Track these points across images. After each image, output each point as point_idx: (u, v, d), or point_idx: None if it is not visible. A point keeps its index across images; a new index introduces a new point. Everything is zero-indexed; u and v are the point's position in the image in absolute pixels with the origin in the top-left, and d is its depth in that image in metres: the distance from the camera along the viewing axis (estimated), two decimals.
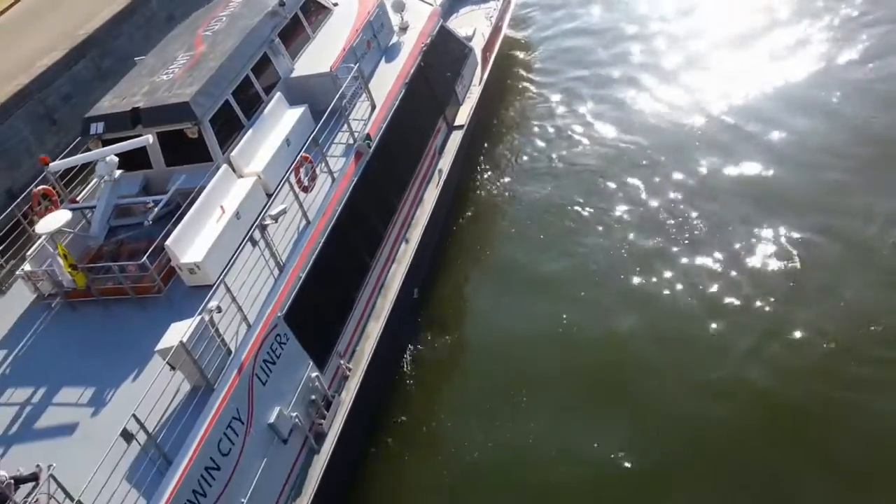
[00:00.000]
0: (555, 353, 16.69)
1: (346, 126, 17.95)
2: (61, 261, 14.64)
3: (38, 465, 12.13)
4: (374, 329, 16.51)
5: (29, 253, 15.86)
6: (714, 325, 16.16)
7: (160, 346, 12.67)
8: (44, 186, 17.30)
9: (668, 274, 17.58)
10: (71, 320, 15.28)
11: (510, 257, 19.67)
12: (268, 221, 14.55)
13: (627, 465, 14.27)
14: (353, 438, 15.20)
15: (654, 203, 19.68)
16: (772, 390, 14.74)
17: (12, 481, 11.82)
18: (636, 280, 17.74)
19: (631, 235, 18.93)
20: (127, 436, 11.21)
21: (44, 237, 14.87)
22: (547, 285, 18.39)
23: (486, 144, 23.68)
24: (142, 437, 11.51)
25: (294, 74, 19.11)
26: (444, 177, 20.17)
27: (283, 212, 14.65)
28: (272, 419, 13.59)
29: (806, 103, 21.46)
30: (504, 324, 17.89)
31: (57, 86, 28.49)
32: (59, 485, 10.87)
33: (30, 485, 11.84)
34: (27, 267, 15.59)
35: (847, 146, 19.54)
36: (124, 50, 30.25)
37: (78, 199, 17.55)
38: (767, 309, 16.14)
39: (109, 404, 13.15)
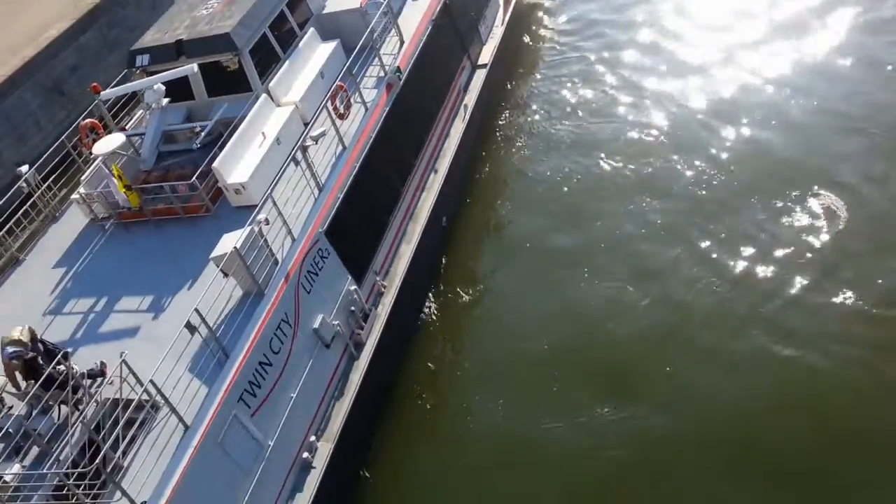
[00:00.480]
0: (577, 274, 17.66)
1: (376, 60, 18.78)
2: (116, 182, 15.64)
3: (102, 362, 13.32)
4: (407, 251, 17.50)
5: (83, 177, 16.88)
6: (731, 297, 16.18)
7: (215, 253, 13.68)
8: (90, 119, 18.26)
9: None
10: (125, 239, 16.34)
11: (531, 194, 20.55)
12: (309, 143, 15.48)
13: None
14: (389, 349, 16.27)
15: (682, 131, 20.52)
16: (796, 361, 14.67)
17: (83, 374, 12.99)
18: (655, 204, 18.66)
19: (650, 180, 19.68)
20: (190, 328, 12.28)
21: (99, 158, 15.85)
22: (567, 212, 19.34)
23: (508, 85, 24.43)
24: (203, 331, 12.58)
25: (325, 11, 19.90)
26: (469, 112, 20.99)
27: (323, 134, 15.57)
28: (316, 325, 14.67)
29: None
30: (525, 253, 18.85)
31: (64, 57, 28.01)
32: (131, 369, 11.97)
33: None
34: (82, 190, 16.61)
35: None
36: (132, 19, 29.88)
37: (126, 128, 18.52)
38: (793, 278, 16.08)
39: (167, 310, 14.24)
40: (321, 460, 13.90)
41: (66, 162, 18.53)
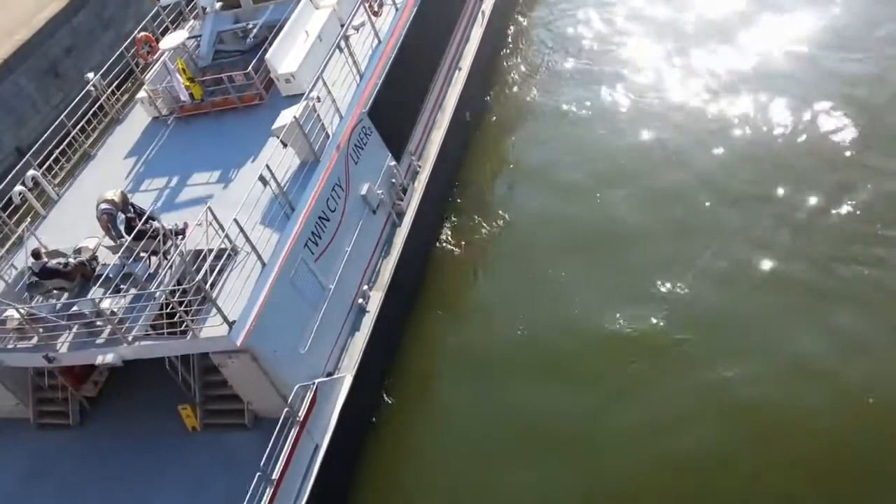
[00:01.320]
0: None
1: None
2: (180, 76, 17.56)
3: (185, 223, 15.36)
4: (437, 138, 19.46)
5: (148, 76, 18.80)
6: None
7: (276, 125, 15.63)
8: (144, 33, 20.12)
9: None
10: (187, 131, 18.34)
11: (547, 95, 22.41)
12: (351, 32, 17.34)
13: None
14: (426, 219, 18.29)
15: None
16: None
17: (170, 230, 15.03)
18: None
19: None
20: (263, 180, 14.28)
21: (166, 53, 17.75)
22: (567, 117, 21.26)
23: None
24: (272, 186, 14.57)
25: None
26: (486, 18, 22.76)
27: (363, 24, 17.42)
28: (364, 192, 16.68)
29: None
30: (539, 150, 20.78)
31: (59, 38, 27.69)
32: (215, 216, 14.00)
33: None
34: (147, 87, 18.54)
35: None
36: None
37: None
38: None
39: (235, 181, 16.26)
40: (374, 306, 16.03)
41: (125, 73, 20.49)
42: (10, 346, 14.48)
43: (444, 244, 18.83)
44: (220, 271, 14.11)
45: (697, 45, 22.15)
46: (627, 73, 21.84)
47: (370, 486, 14.97)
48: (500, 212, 19.14)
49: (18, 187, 16.83)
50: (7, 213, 16.88)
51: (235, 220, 13.67)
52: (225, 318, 13.17)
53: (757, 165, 18.04)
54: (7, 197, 16.96)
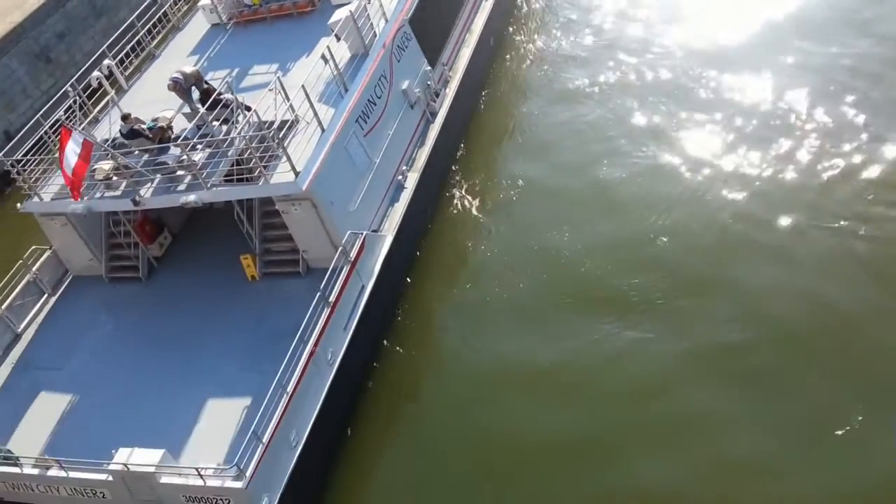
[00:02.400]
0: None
1: None
2: None
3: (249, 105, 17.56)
4: (465, 54, 21.77)
5: None
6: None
7: (332, 20, 17.87)
8: None
9: None
10: (246, 35, 20.57)
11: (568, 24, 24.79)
12: None
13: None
14: (454, 123, 20.57)
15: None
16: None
17: (238, 104, 17.20)
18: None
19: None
20: (324, 58, 16.53)
21: None
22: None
23: None
24: (331, 66, 16.81)
25: None
26: None
27: None
28: (404, 87, 18.98)
29: None
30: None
31: (51, 23, 27.59)
32: (282, 84, 16.20)
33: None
34: None
35: None
36: None
37: None
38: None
39: (293, 69, 18.47)
40: (411, 184, 18.30)
41: None
42: (99, 195, 16.68)
43: (471, 144, 21.26)
44: (285, 137, 16.36)
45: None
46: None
47: (406, 326, 17.22)
48: (520, 126, 21.62)
49: (96, 73, 18.95)
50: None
51: (303, 87, 15.92)
52: (293, 166, 15.42)
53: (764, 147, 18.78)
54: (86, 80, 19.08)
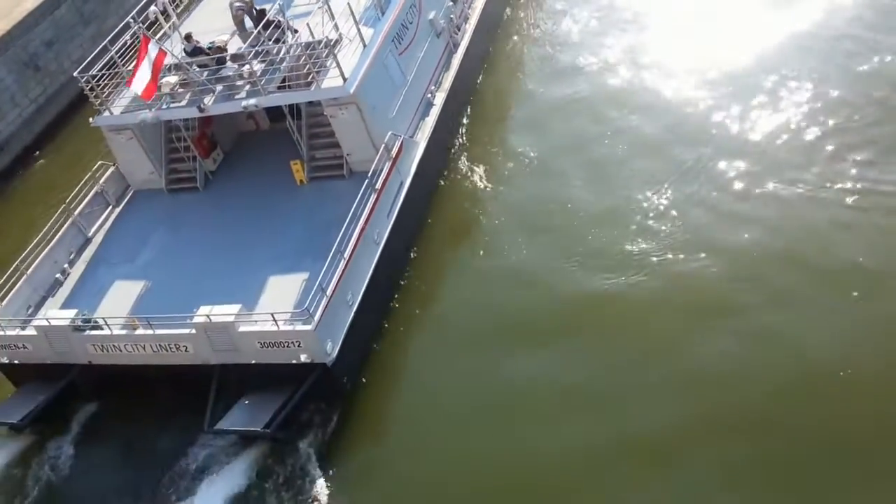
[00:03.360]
0: None
1: None
2: None
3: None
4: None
5: None
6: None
7: None
8: None
9: None
10: None
11: None
12: None
13: None
14: (475, 55, 22.80)
15: None
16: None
17: (288, 25, 19.29)
18: None
19: None
20: None
21: None
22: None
23: None
24: None
25: None
26: None
27: None
28: (431, 17, 21.20)
29: None
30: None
31: (39, 31, 27.62)
32: (328, 6, 18.34)
33: None
34: None
35: None
36: None
37: None
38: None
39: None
40: (439, 102, 20.48)
41: None
42: (166, 106, 18.77)
43: (490, 72, 23.60)
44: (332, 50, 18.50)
45: None
46: None
47: (436, 224, 19.37)
48: (535, 56, 23.98)
49: (153, 7, 20.98)
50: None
51: (348, 4, 18.08)
52: (342, 72, 17.58)
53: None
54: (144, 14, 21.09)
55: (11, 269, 18.02)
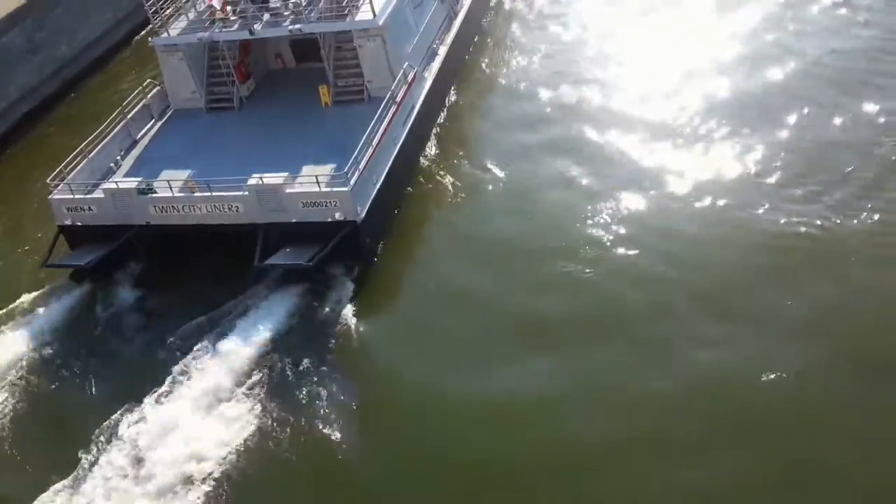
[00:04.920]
0: None
1: None
2: None
3: None
4: None
5: None
6: None
7: None
8: None
9: None
10: None
11: None
12: None
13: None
14: (472, 23, 27.12)
15: None
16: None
17: None
18: None
19: None
20: None
21: None
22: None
23: None
24: None
25: None
26: None
27: None
28: None
29: None
30: None
31: None
32: None
33: None
34: None
35: None
36: (60, 22, 29.37)
37: None
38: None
39: None
40: (442, 52, 24.59)
41: None
42: (219, 30, 22.34)
43: (483, 39, 28.11)
44: None
45: None
46: None
47: (443, 144, 23.32)
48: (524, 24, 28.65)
49: None
50: None
51: None
52: (373, 9, 21.55)
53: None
54: None
55: (74, 153, 21.12)
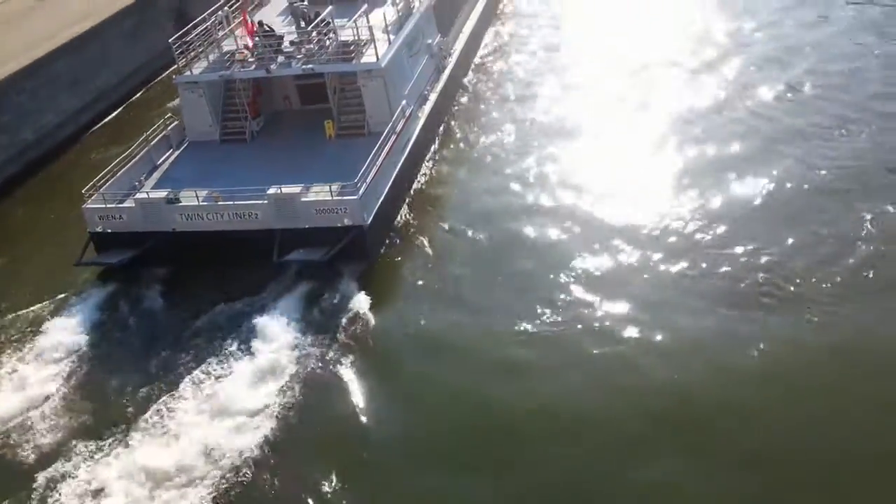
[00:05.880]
0: None
1: None
2: None
3: None
4: (465, 33, 32.22)
5: None
6: None
7: None
8: None
9: None
10: None
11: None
12: None
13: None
14: (457, 73, 30.63)
15: None
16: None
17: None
18: None
19: None
20: (393, 3, 26.26)
21: None
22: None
23: None
24: (398, 7, 26.56)
25: None
26: None
27: None
28: (428, 42, 28.93)
29: None
30: None
31: None
32: (367, 18, 25.68)
33: None
34: None
35: None
36: (24, 108, 30.22)
37: None
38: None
39: (374, 12, 27.88)
40: (433, 97, 27.83)
41: None
42: (238, 70, 25.34)
43: (469, 90, 31.56)
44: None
45: None
46: None
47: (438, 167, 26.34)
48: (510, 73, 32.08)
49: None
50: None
51: (383, 14, 25.49)
52: (377, 52, 24.77)
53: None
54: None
55: (103, 171, 23.66)
